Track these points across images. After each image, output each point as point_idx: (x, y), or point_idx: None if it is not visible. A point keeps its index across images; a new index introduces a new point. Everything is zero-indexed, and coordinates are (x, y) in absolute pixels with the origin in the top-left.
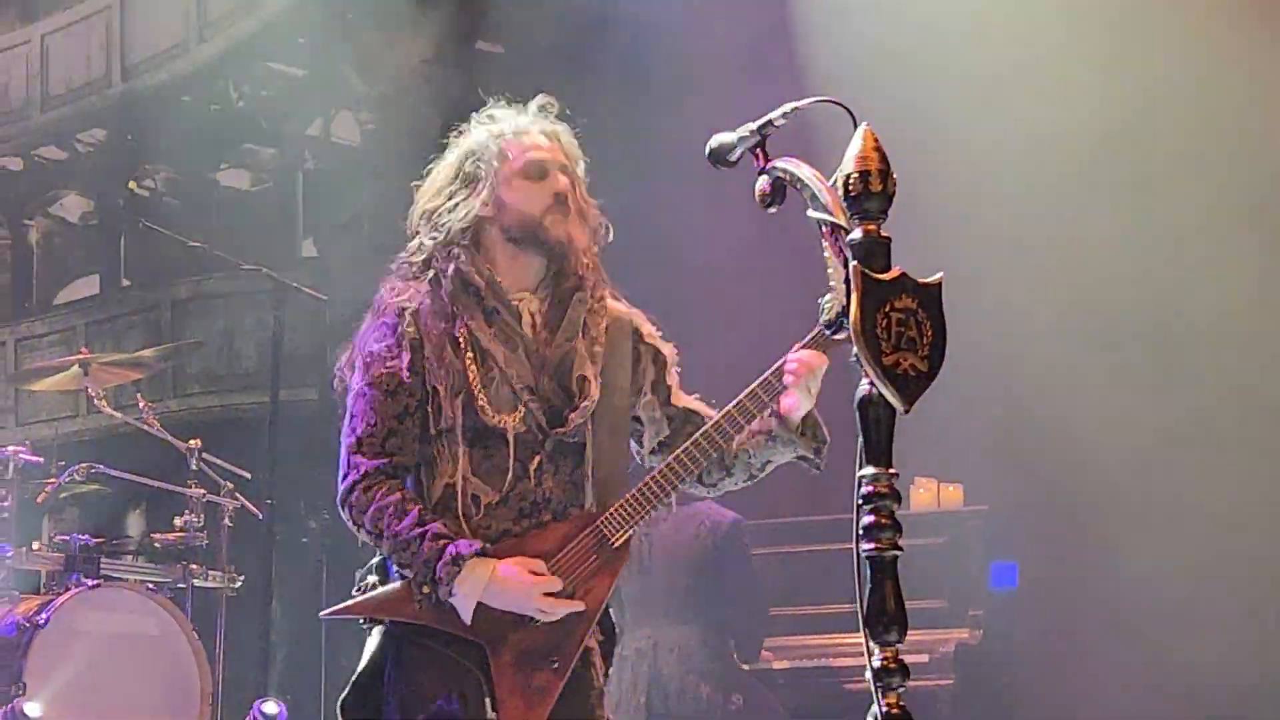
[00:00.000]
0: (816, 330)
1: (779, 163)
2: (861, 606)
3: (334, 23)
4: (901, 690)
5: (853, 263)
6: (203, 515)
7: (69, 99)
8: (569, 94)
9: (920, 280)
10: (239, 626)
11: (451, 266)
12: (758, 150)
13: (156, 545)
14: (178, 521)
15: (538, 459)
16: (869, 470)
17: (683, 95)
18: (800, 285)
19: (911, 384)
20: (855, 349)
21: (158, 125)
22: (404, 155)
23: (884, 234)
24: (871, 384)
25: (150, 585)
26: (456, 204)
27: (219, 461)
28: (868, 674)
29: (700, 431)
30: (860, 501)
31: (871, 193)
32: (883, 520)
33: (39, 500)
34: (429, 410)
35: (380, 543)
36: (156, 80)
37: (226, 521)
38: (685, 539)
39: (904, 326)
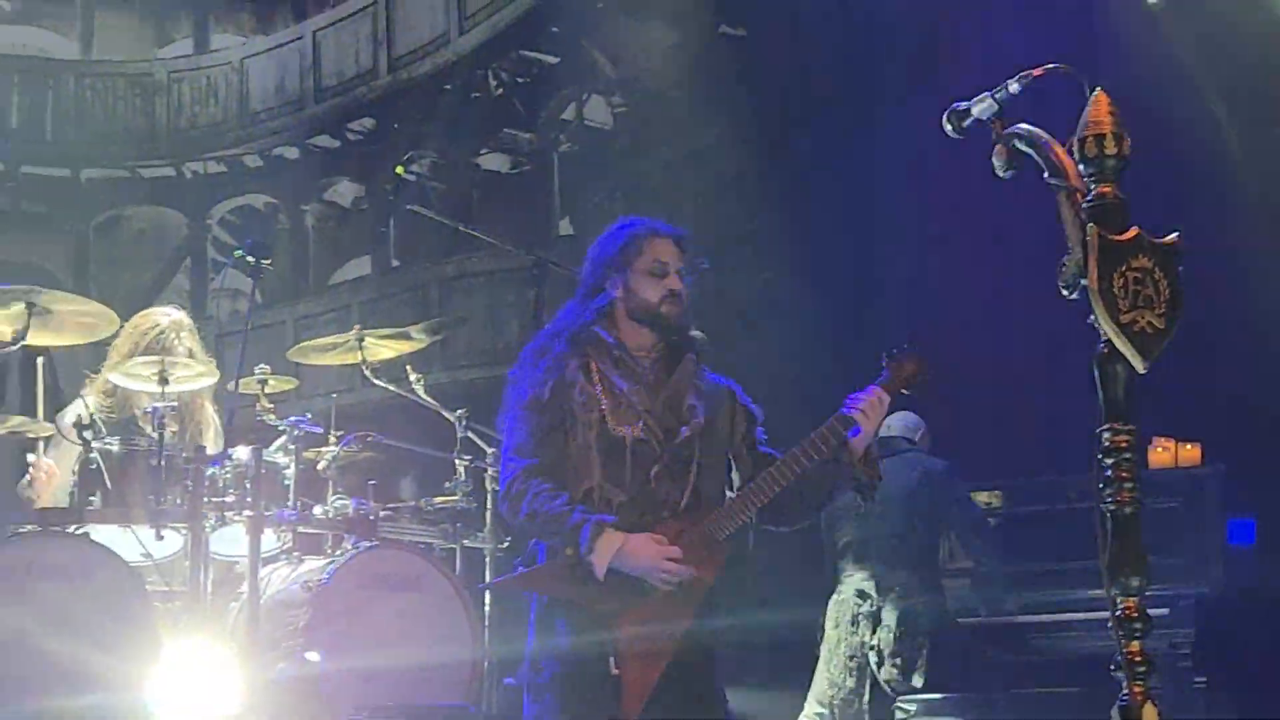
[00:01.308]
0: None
1: (1016, 128)
2: (1104, 558)
3: (585, 12)
4: (1143, 639)
5: (1089, 224)
6: (470, 480)
7: (340, 90)
8: (802, 73)
9: (1156, 239)
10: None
11: (588, 331)
12: (995, 118)
13: (428, 509)
14: (447, 486)
15: (656, 468)
16: (1109, 426)
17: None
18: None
19: (1149, 341)
20: (1093, 308)
21: (422, 113)
22: (653, 136)
23: (1119, 195)
24: (1108, 342)
25: (423, 545)
26: (603, 281)
27: (484, 429)
28: (1110, 624)
29: (788, 453)
30: (1101, 456)
31: (1106, 155)
32: (1123, 474)
33: (319, 467)
34: (568, 427)
35: (534, 522)
36: (420, 71)
37: (490, 486)
38: (901, 484)
39: (1140, 285)
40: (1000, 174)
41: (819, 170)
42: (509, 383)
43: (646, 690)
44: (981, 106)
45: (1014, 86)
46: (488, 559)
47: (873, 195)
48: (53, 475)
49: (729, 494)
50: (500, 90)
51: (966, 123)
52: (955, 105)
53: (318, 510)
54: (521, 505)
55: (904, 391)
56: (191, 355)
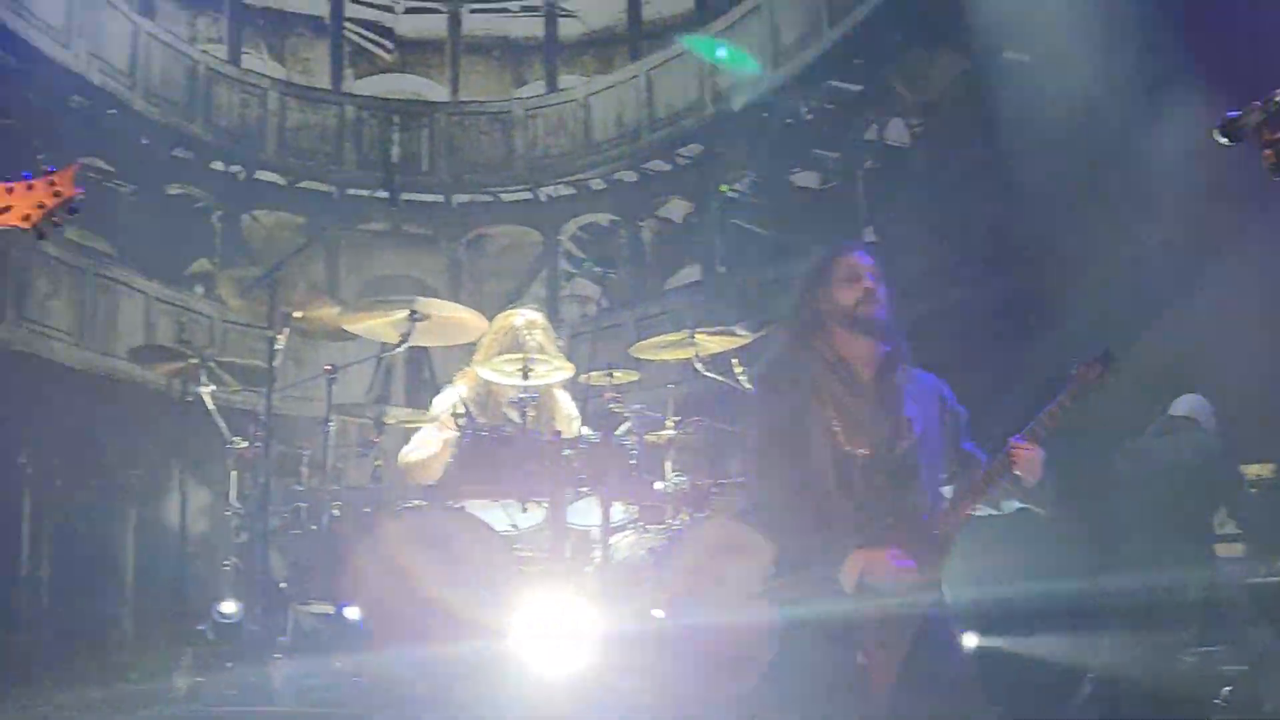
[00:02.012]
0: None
1: None
2: None
3: (884, 45)
4: None
5: None
6: None
7: (671, 121)
8: (1082, 96)
9: None
10: None
11: (811, 353)
12: (1264, 123)
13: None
14: None
15: (882, 479)
16: None
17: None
18: None
19: None
20: None
21: (742, 138)
22: (947, 153)
23: None
24: None
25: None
26: (812, 303)
27: None
28: None
29: (983, 471)
30: None
31: None
32: None
33: (659, 448)
34: (804, 449)
35: (784, 543)
36: (740, 102)
37: None
38: (1165, 459)
39: None
40: (1273, 176)
41: (1095, 182)
42: (751, 408)
43: (891, 674)
44: (1250, 113)
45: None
46: None
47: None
48: (440, 455)
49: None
50: (810, 116)
51: (1238, 130)
52: (1227, 114)
53: (658, 485)
54: (774, 527)
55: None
56: (542, 349)
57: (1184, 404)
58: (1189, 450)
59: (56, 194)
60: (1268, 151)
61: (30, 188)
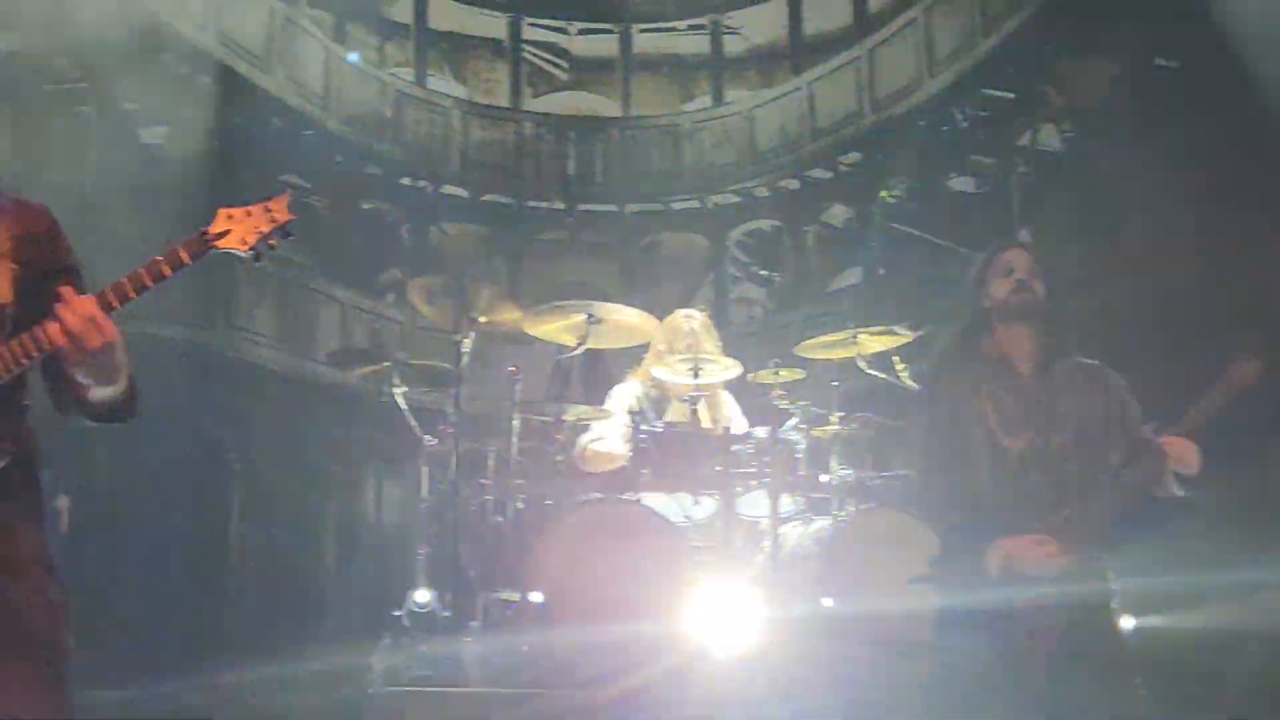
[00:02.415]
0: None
1: None
2: None
3: (1036, 53)
4: None
5: None
6: None
7: (831, 130)
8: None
9: None
10: None
11: (971, 346)
12: None
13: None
14: None
15: (1036, 472)
16: None
17: None
18: None
19: None
20: None
21: (900, 146)
22: (1099, 157)
23: None
24: None
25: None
26: (975, 301)
27: None
28: None
29: (1140, 461)
30: None
31: None
32: None
33: (824, 442)
34: (964, 443)
35: (939, 531)
36: (898, 111)
37: None
38: None
39: None
40: None
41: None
42: (915, 404)
43: (1044, 659)
44: None
45: None
46: None
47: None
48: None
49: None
50: (965, 123)
51: None
52: None
53: (824, 478)
54: (934, 517)
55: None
56: (707, 349)
57: None
58: None
59: (272, 220)
60: None
61: (249, 213)
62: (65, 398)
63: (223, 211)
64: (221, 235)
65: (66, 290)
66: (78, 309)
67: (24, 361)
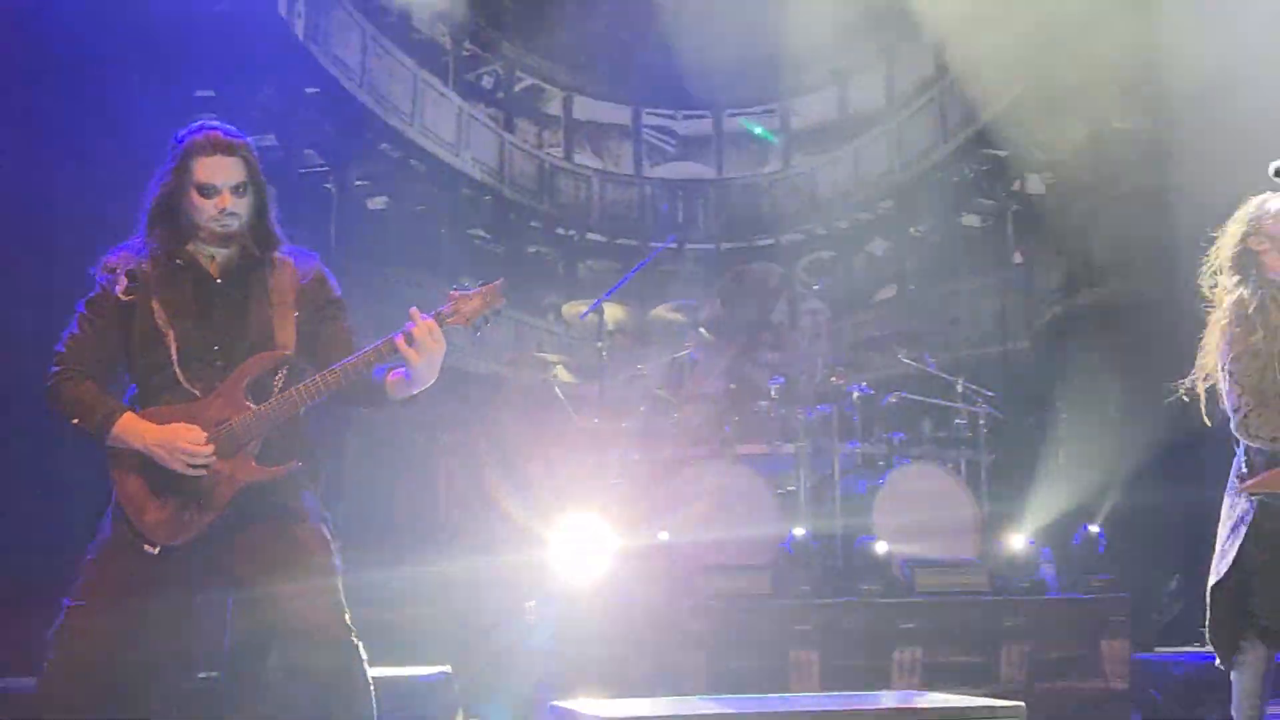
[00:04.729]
0: None
1: None
2: None
3: (1024, 121)
4: None
5: None
6: (966, 419)
7: (872, 183)
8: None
9: None
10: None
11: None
12: None
13: (941, 437)
14: (956, 423)
15: None
16: None
17: None
18: None
19: None
20: None
21: (923, 194)
22: (1073, 197)
23: None
24: None
25: (940, 461)
26: (1247, 272)
27: (976, 389)
28: None
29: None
30: None
31: None
32: None
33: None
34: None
35: None
36: (921, 167)
37: (981, 423)
38: None
39: None
40: None
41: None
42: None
43: None
44: None
45: None
46: (982, 472)
47: None
48: None
49: None
50: (971, 175)
51: None
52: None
53: (861, 446)
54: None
55: None
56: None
57: None
58: None
59: (488, 302)
60: None
61: (470, 298)
62: (376, 397)
63: (452, 294)
64: (451, 315)
65: (413, 310)
66: (423, 326)
67: (343, 382)
